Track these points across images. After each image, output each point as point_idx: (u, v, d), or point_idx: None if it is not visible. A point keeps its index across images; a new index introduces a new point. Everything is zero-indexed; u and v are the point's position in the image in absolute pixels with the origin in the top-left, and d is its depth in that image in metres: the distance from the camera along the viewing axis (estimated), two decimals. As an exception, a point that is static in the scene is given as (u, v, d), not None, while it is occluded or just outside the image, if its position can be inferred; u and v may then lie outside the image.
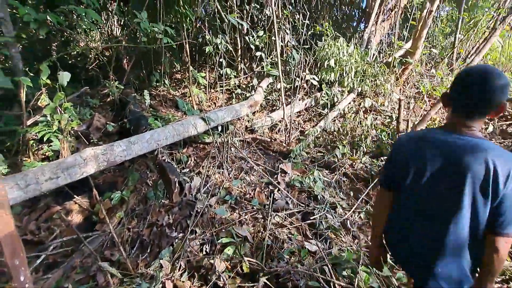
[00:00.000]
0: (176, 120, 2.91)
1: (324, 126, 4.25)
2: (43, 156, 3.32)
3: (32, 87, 3.29)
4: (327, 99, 4.67)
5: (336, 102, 4.71)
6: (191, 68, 4.54)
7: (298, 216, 2.71)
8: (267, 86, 4.90)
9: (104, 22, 6.44)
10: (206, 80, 5.46)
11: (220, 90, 5.52)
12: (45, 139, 3.12)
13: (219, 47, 5.07)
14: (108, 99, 5.25)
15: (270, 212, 2.69)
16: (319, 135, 4.00)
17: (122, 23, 6.50)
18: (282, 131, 4.31)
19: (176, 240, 2.51)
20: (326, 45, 4.77)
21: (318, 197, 2.91)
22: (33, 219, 2.66)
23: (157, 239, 2.53)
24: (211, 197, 2.98)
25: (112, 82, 4.74)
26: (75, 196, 2.94)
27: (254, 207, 2.85)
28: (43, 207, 2.78)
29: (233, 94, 5.24)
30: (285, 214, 2.66)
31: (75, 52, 7.27)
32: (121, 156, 2.40)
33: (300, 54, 4.84)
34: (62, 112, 3.30)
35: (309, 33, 5.65)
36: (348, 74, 4.78)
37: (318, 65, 5.13)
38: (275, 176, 3.30)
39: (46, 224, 2.67)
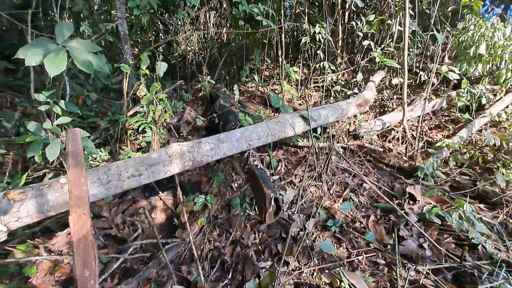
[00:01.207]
0: (270, 118, 2.38)
1: (469, 137, 2.99)
2: (139, 146, 3.33)
3: (134, 77, 3.32)
4: (470, 100, 3.33)
5: (485, 104, 3.32)
6: (283, 61, 3.99)
7: (447, 276, 1.74)
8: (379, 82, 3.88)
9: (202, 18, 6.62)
10: (299, 75, 4.83)
11: (315, 86, 4.80)
12: (140, 129, 3.08)
13: (317, 37, 4.35)
14: (200, 94, 5.26)
15: (398, 258, 1.82)
16: (462, 150, 2.80)
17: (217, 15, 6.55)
18: (399, 140, 3.27)
19: (264, 270, 1.94)
20: (472, 25, 3.43)
21: (479, 248, 1.85)
22: (120, 212, 2.56)
23: (240, 263, 2.02)
24: (309, 218, 2.30)
25: (204, 77, 4.65)
26: (159, 192, 2.75)
27: (370, 244, 2.02)
28: (130, 199, 2.68)
29: (331, 92, 4.43)
30: (425, 268, 1.73)
31: (176, 53, 7.90)
32: (208, 155, 1.99)
33: (427, 40, 3.65)
34: (157, 103, 3.23)
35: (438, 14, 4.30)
36: (507, 66, 3.31)
37: (453, 54, 3.80)
38: (397, 201, 2.37)
39: (131, 218, 2.53)
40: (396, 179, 2.71)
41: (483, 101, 3.27)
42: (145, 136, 3.17)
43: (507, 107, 3.26)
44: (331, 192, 2.61)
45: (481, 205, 2.27)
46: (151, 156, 1.79)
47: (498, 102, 3.24)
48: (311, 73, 4.73)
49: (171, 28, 6.81)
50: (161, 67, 2.89)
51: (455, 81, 3.63)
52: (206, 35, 7.36)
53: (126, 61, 3.82)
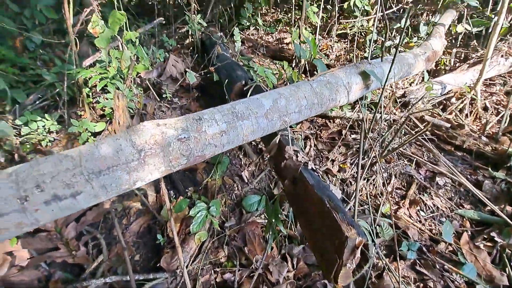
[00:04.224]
0: (318, 76, 1.41)
1: None
2: (102, 113, 2.30)
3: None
4: None
5: None
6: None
7: None
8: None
9: None
10: (318, 19, 3.67)
11: (339, 34, 3.70)
12: (98, 88, 2.02)
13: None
14: (188, 41, 4.03)
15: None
16: None
17: None
18: (462, 111, 2.41)
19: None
20: None
21: None
22: (72, 219, 1.66)
23: (269, 319, 1.24)
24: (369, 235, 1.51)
25: (193, 15, 3.41)
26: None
27: (474, 283, 1.28)
28: (89, 198, 1.76)
29: (361, 42, 3.37)
30: None
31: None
32: (216, 145, 1.06)
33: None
34: (124, 47, 2.12)
35: None
36: None
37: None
38: (488, 207, 1.60)
39: (91, 229, 1.65)
40: (476, 170, 1.91)
41: None
42: (107, 99, 2.13)
43: None
44: (390, 189, 1.79)
45: None
46: (99, 152, 0.84)
47: None
48: (335, 16, 3.58)
49: None
50: (126, -16, 1.73)
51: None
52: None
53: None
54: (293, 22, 4.19)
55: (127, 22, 2.08)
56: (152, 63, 2.72)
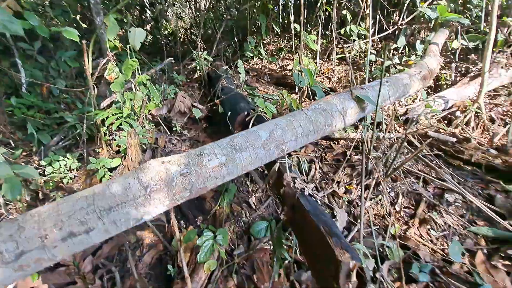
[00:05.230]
0: (312, 105, 1.49)
1: None
2: (117, 149, 2.47)
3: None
4: None
5: None
6: (302, 24, 3.01)
7: None
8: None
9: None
10: (318, 46, 3.85)
11: (338, 59, 3.85)
12: (113, 127, 2.20)
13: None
14: (196, 76, 4.32)
15: None
16: None
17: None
18: (468, 125, 2.39)
19: None
20: None
21: None
22: (89, 252, 1.74)
23: None
24: (374, 257, 1.49)
25: (200, 53, 3.68)
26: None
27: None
28: (105, 232, 1.86)
29: (360, 64, 3.48)
30: None
31: (166, 32, 6.78)
32: (216, 177, 1.13)
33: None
34: (137, 88, 2.33)
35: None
36: None
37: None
38: (509, 223, 1.54)
39: (107, 263, 1.72)
40: (488, 184, 1.86)
41: None
42: (122, 137, 2.30)
43: None
44: (398, 208, 1.78)
45: None
46: (110, 191, 0.94)
47: None
48: (334, 41, 3.75)
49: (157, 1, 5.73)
50: (137, 35, 1.97)
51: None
52: (198, 4, 6.25)
53: (99, 34, 2.89)
54: (294, 49, 4.40)
55: (139, 66, 2.31)
56: (163, 99, 2.93)
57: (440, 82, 2.92)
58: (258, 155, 1.28)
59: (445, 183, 1.82)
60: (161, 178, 1.01)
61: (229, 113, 2.17)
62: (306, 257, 1.16)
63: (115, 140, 2.40)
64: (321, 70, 4.02)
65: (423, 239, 1.57)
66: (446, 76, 2.86)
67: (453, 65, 2.85)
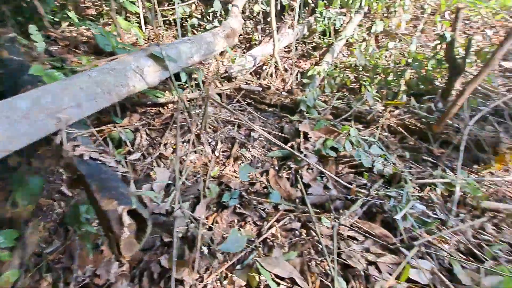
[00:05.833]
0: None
1: (333, 61, 3.00)
2: None
3: None
4: (326, 25, 3.31)
5: (339, 27, 3.40)
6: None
7: (358, 211, 1.59)
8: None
9: None
10: (140, 8, 3.52)
11: (166, 22, 3.69)
12: None
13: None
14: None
15: (312, 214, 1.52)
16: (334, 74, 2.74)
17: None
18: (272, 75, 2.94)
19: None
20: None
21: (374, 170, 1.80)
22: None
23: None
24: (198, 200, 1.65)
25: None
26: None
27: (279, 206, 1.63)
28: None
29: (187, 27, 3.49)
30: (346, 216, 1.50)
31: None
32: None
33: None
34: None
35: None
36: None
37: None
38: (290, 143, 2.06)
39: None
40: (282, 119, 2.39)
41: (337, 24, 3.33)
42: None
43: (354, 29, 3.44)
44: (217, 154, 2.01)
45: (359, 126, 2.29)
46: None
47: (349, 24, 3.37)
48: (155, 6, 3.53)
49: None
50: None
51: (313, 5, 3.52)
52: None
53: None
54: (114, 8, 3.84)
55: None
56: None
57: (252, 43, 3.37)
58: (19, 129, 1.05)
59: (253, 125, 2.19)
60: None
61: (6, 89, 1.68)
62: (100, 222, 1.12)
63: None
64: (151, 36, 3.76)
65: (236, 173, 1.86)
66: (255, 37, 3.33)
67: (259, 27, 3.35)
